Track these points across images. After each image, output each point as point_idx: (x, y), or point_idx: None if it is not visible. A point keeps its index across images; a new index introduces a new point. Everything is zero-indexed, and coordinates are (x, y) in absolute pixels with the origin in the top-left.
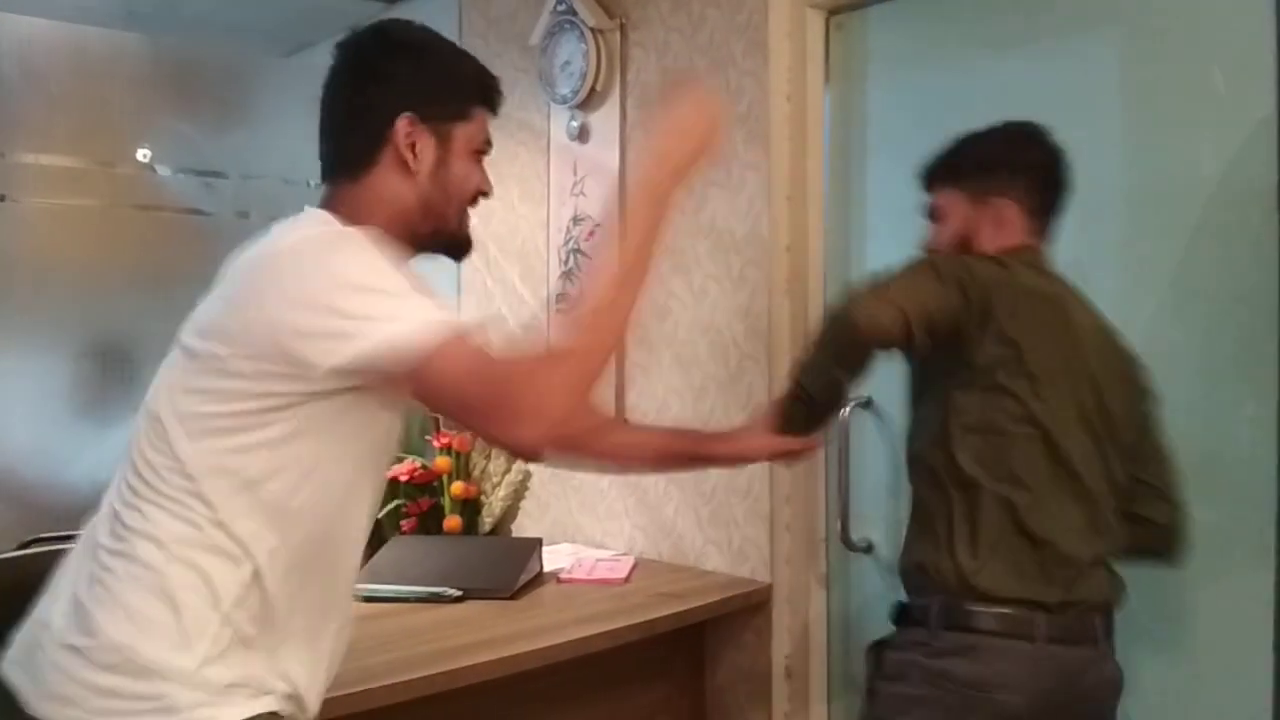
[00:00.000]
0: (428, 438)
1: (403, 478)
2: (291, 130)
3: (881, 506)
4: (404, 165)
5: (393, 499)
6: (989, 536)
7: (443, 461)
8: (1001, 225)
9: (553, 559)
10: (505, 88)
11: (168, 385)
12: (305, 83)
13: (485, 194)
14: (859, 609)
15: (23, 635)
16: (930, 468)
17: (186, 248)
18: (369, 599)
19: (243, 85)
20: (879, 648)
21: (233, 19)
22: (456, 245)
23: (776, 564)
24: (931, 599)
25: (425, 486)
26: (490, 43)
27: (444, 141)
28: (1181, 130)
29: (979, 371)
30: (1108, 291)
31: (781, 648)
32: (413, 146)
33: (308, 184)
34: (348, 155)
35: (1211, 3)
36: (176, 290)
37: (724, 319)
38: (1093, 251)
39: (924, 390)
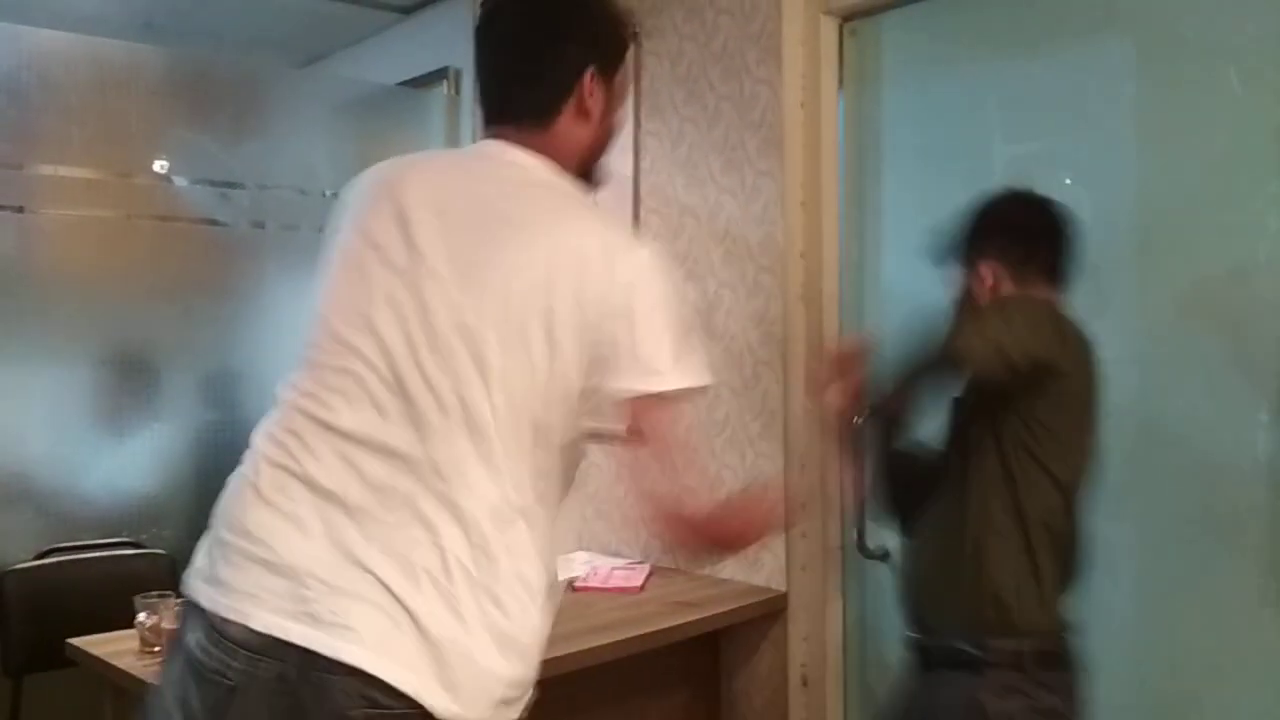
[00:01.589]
0: None
1: None
2: (307, 141)
3: None
4: (584, 113)
5: None
6: (1056, 576)
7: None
8: (992, 286)
9: (568, 567)
10: None
11: None
12: (320, 93)
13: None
14: (875, 617)
15: None
16: (1001, 503)
17: (203, 258)
18: None
19: (258, 96)
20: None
21: (248, 31)
22: (599, 180)
23: (792, 572)
24: (1020, 639)
25: None
26: None
27: (611, 88)
28: (1197, 133)
29: (1053, 416)
30: (1121, 294)
31: (798, 657)
32: (595, 95)
33: (323, 194)
34: (540, 103)
35: (1227, 5)
36: (193, 300)
37: (738, 326)
38: (1105, 253)
39: (982, 424)
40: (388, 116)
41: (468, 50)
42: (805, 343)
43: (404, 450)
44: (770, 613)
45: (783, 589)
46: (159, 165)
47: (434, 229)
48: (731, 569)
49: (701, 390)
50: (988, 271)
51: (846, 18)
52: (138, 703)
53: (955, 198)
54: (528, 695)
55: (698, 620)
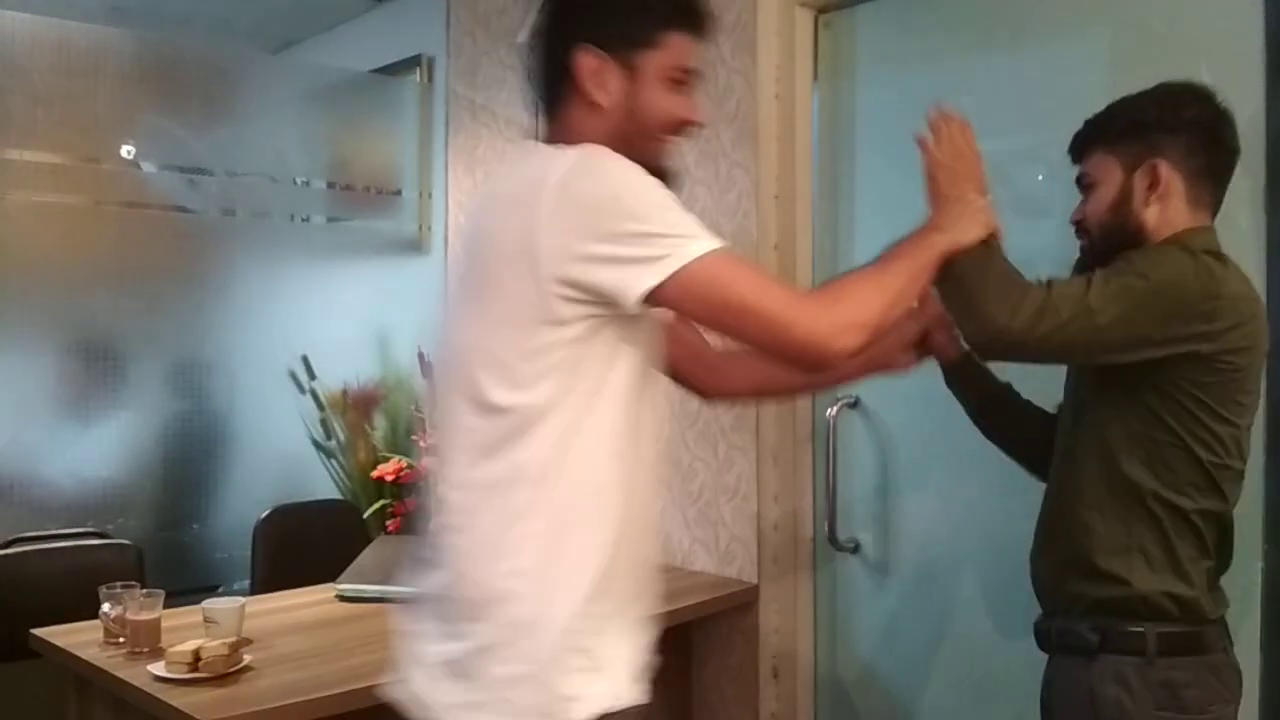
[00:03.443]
0: (414, 438)
1: (389, 477)
2: (278, 127)
3: (869, 506)
4: (590, 100)
5: (379, 498)
6: (1193, 555)
7: (430, 462)
8: (1162, 192)
9: None
10: (493, 86)
11: None
12: (292, 79)
13: (692, 123)
14: (846, 609)
15: None
16: (1132, 484)
17: (171, 245)
18: (352, 599)
19: (229, 82)
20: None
21: (218, 15)
22: (658, 176)
23: (764, 564)
24: (1145, 625)
25: (412, 486)
26: (478, 40)
27: (631, 72)
28: None
29: (1199, 396)
30: None
31: (769, 648)
32: (598, 79)
33: (294, 181)
34: (545, 96)
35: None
36: (162, 288)
37: None
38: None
39: (1109, 398)
40: (360, 104)
41: (441, 37)
42: None
43: None
44: (741, 605)
45: (754, 581)
46: (127, 151)
47: (454, 265)
48: (703, 561)
49: (711, 246)
50: (1167, 172)
51: (821, 10)
52: (101, 694)
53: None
54: None
55: (670, 612)
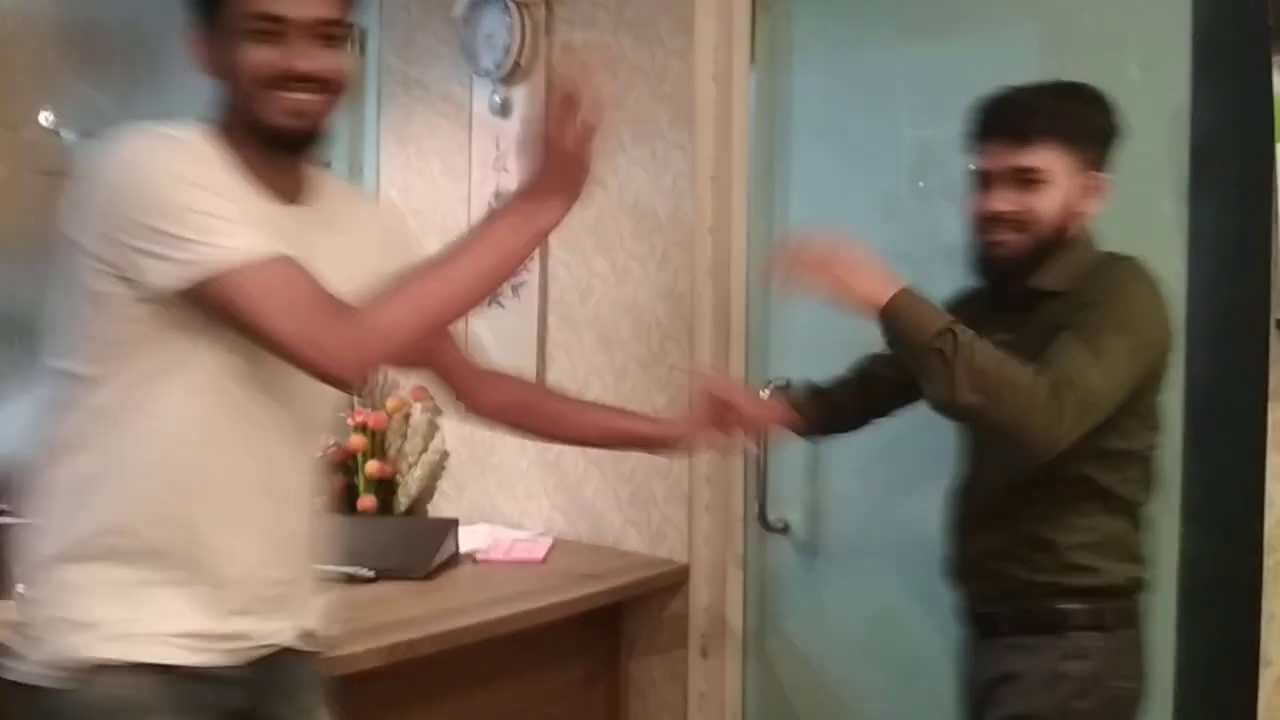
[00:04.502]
0: (343, 415)
1: None
2: (203, 95)
3: (798, 488)
4: (205, 75)
5: None
6: (1135, 535)
7: (357, 440)
8: (1092, 205)
9: (469, 539)
10: (427, 59)
11: None
12: None
13: (287, 72)
14: (774, 589)
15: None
16: (1084, 477)
17: None
18: None
19: (153, 48)
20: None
21: None
22: (276, 137)
23: (695, 544)
24: (1106, 602)
25: (339, 465)
26: (413, 13)
27: (212, 34)
28: None
29: (1144, 397)
30: None
31: (698, 627)
32: (194, 51)
33: None
34: None
35: None
36: None
37: (647, 299)
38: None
39: None
40: None
41: (374, 9)
42: (712, 317)
43: None
44: (671, 585)
45: (685, 561)
46: (45, 118)
47: None
48: (635, 542)
49: (239, 254)
50: (1102, 181)
51: None
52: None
53: (863, 178)
54: None
55: (599, 592)
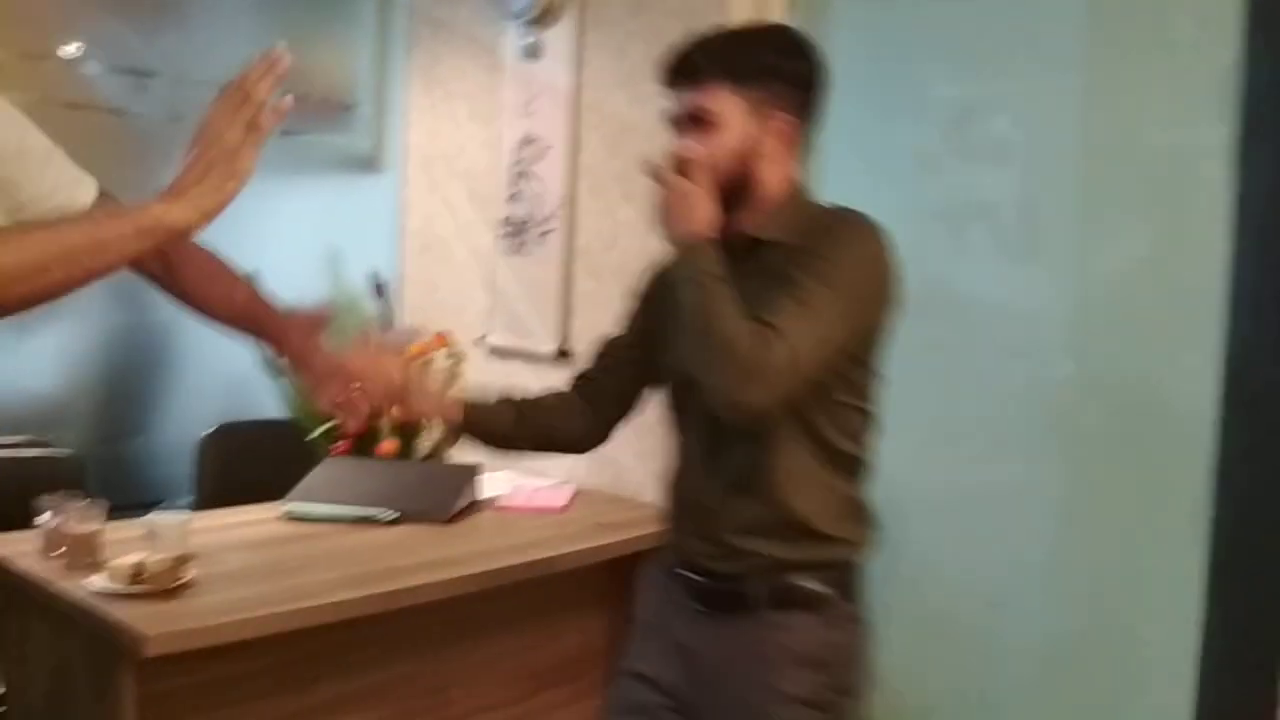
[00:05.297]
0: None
1: None
2: (231, 31)
3: None
4: None
5: (327, 420)
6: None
7: None
8: (783, 150)
9: (492, 485)
10: (456, 2)
11: None
12: None
13: None
14: None
15: None
16: (832, 448)
17: (115, 149)
18: (300, 518)
19: None
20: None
21: None
22: None
23: None
24: (847, 570)
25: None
26: None
27: None
28: (1144, 77)
29: (865, 354)
30: (1062, 237)
31: None
32: None
33: None
34: None
35: None
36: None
37: None
38: (1048, 193)
39: None
40: (316, 12)
41: None
42: None
43: None
44: None
45: None
46: (71, 50)
47: None
48: (655, 493)
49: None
50: (788, 124)
51: None
52: (38, 607)
53: (899, 135)
54: None
55: (619, 542)
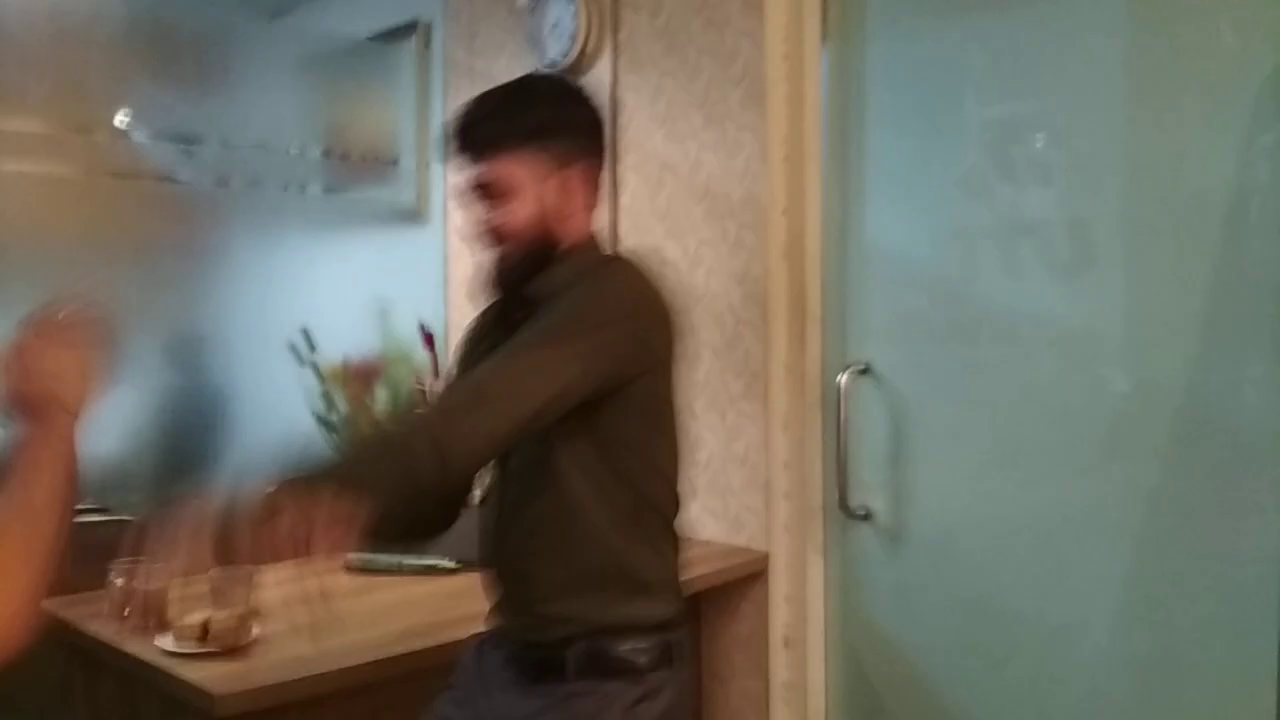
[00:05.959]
0: (416, 410)
1: None
2: (273, 95)
3: (881, 474)
4: None
5: None
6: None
7: None
8: (579, 203)
9: None
10: (492, 51)
11: None
12: (287, 46)
13: None
14: (857, 577)
15: None
16: (642, 499)
17: (164, 217)
18: (363, 569)
19: (223, 48)
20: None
21: None
22: None
23: (774, 532)
24: (672, 634)
25: None
26: (476, 5)
27: None
28: (1187, 86)
29: (649, 416)
30: (1109, 251)
31: (780, 617)
32: None
33: (287, 151)
34: None
35: None
36: (154, 260)
37: (720, 284)
38: (1094, 209)
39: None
40: (356, 71)
41: (438, 2)
42: (787, 301)
43: None
44: (752, 574)
45: (764, 549)
46: (119, 120)
47: None
48: (712, 530)
49: None
50: (576, 180)
51: None
52: (109, 668)
53: (939, 155)
54: None
55: (697, 577)
